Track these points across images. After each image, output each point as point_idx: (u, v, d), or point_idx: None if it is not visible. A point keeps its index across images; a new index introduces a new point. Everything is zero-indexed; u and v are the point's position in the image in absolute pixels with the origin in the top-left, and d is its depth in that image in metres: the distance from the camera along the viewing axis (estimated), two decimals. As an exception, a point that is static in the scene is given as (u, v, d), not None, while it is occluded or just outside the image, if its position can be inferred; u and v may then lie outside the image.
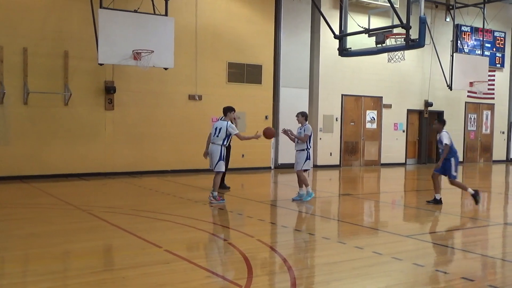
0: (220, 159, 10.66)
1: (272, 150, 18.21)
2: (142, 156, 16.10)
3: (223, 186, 12.53)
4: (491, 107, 24.08)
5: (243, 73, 17.62)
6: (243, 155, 17.25)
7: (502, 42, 23.90)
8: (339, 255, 6.79)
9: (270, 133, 10.99)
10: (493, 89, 23.20)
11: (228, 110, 11.04)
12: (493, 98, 23.68)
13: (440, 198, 11.26)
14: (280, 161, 18.54)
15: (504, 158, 24.87)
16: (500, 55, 23.93)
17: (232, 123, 10.99)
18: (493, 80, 23.07)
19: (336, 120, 19.59)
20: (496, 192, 14.52)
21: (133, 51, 13.60)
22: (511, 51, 24.47)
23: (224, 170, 10.96)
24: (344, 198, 12.09)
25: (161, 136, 16.37)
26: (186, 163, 16.69)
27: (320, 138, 19.19)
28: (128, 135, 15.86)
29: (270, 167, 18.11)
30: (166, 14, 14.44)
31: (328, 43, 17.91)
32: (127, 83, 15.74)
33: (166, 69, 14.58)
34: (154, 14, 14.33)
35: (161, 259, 6.29)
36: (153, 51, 13.73)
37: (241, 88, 17.59)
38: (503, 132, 24.74)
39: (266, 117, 17.99)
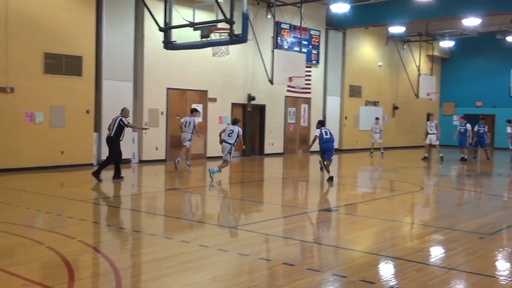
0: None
1: (94, 146, 17.54)
2: None
3: (118, 176, 13.73)
4: (308, 101, 25.91)
5: (61, 65, 16.67)
6: (62, 152, 16.38)
7: (317, 40, 25.82)
8: (166, 251, 6.80)
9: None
10: (310, 84, 24.98)
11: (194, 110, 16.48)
12: (310, 93, 25.50)
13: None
14: (104, 157, 17.92)
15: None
16: (316, 52, 25.84)
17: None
18: (310, 75, 24.84)
19: (162, 114, 19.51)
20: (313, 181, 15.69)
21: None
22: (325, 48, 26.55)
23: None
24: (170, 193, 12.12)
25: (-34, 133, 14.81)
26: (-3, 161, 15.33)
27: (145, 133, 18.97)
28: None
29: (92, 164, 17.44)
30: (-31, -4, 13.10)
31: (153, 35, 17.73)
32: None
33: (-30, 57, 13.23)
34: (-45, -5, 12.90)
35: (-32, 269, 5.73)
36: (-46, 37, 12.37)
37: (59, 80, 16.63)
38: (319, 125, 26.80)
39: (87, 111, 17.26)
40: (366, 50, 29.14)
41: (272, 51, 21.37)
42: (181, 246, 7.06)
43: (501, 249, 7.46)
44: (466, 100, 33.63)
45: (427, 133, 22.86)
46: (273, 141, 24.22)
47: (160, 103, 19.51)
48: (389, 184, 15.40)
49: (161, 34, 14.44)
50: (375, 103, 29.85)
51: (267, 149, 23.95)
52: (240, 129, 14.26)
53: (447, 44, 31.40)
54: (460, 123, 23.09)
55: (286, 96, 24.58)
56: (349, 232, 8.32)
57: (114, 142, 13.67)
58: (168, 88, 19.70)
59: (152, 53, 18.83)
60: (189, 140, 16.57)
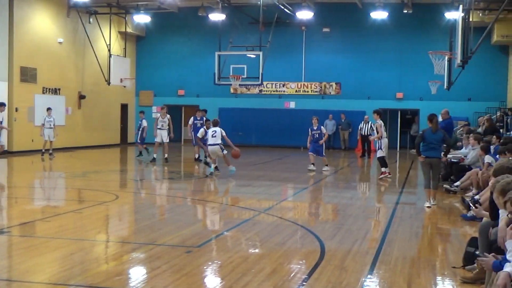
0: None
1: None
2: None
3: None
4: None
5: None
6: None
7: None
8: None
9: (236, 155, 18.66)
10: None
11: None
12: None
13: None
14: None
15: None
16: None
17: None
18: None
19: None
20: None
21: None
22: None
23: None
24: None
25: None
26: None
27: None
28: None
29: None
30: None
31: None
32: None
33: None
34: None
35: None
36: None
37: None
38: None
39: None
40: (42, 22, 28.52)
41: None
42: None
43: (210, 263, 8.10)
44: (166, 88, 35.49)
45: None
46: None
47: None
48: (76, 193, 15.41)
49: None
50: (55, 91, 29.48)
51: None
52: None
53: (142, 19, 32.34)
54: (195, 118, 23.89)
55: None
56: (25, 260, 8.08)
57: None
58: None
59: None
60: None
